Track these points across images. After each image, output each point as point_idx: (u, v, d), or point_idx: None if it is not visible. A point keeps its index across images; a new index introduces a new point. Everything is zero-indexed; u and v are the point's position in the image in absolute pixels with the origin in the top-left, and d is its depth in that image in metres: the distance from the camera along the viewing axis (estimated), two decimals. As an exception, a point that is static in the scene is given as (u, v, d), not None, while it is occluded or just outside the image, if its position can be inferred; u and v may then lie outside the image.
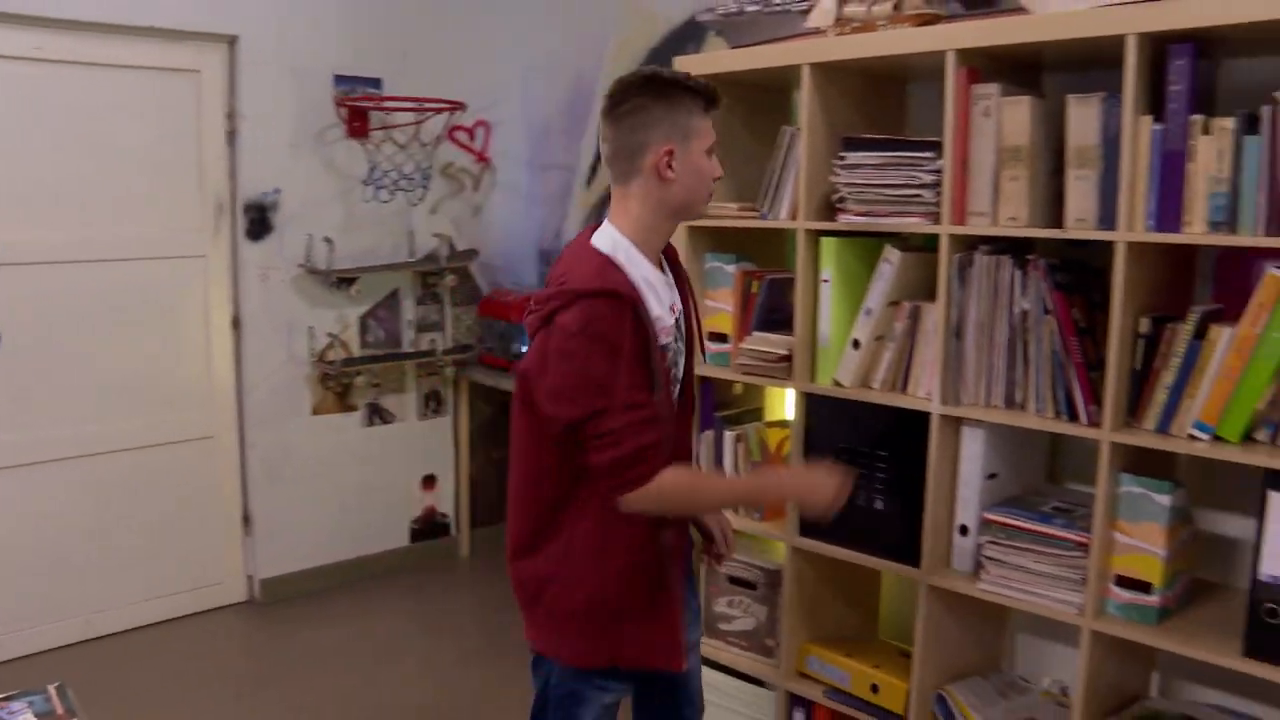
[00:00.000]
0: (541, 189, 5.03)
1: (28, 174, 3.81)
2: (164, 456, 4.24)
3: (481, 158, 4.86)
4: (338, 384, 4.58)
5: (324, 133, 4.37)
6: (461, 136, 4.74)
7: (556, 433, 1.98)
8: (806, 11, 2.75)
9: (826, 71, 2.67)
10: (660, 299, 2.03)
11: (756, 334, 2.87)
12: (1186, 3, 2.06)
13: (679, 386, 2.14)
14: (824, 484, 2.06)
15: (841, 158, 2.62)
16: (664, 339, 2.03)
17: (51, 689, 1.97)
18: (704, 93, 2.02)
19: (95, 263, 4.00)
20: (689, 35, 4.12)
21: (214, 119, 4.21)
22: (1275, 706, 2.41)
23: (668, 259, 2.16)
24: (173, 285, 4.20)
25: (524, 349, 4.70)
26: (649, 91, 2.00)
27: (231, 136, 4.24)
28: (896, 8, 2.55)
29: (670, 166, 1.99)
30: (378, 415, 4.73)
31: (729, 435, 2.93)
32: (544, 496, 2.07)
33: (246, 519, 4.48)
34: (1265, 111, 2.02)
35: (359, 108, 4.39)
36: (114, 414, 4.12)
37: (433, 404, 4.90)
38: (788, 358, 2.78)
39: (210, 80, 4.17)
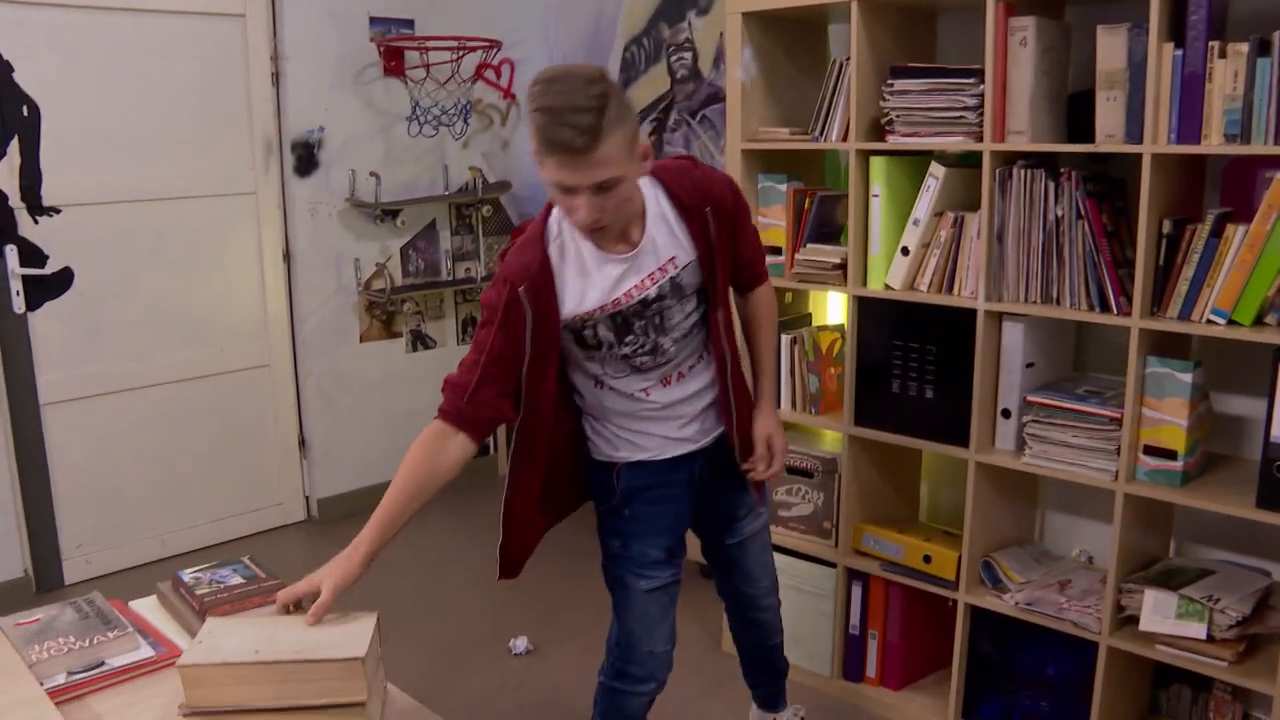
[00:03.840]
0: (563, 122, 5.22)
1: (86, 120, 3.97)
2: (224, 385, 4.46)
3: (508, 94, 5.05)
4: (383, 312, 4.80)
5: (363, 72, 4.56)
6: (489, 74, 4.94)
7: None
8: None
9: (871, 8, 2.94)
10: (593, 278, 2.17)
11: (810, 245, 3.15)
12: (1207, -59, 2.35)
13: (651, 340, 2.28)
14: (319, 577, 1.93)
15: (890, 84, 2.89)
16: (586, 312, 2.19)
17: (246, 559, 2.16)
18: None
19: (153, 202, 4.17)
20: (712, -29, 4.33)
21: (259, 61, 4.37)
22: (1272, 560, 2.79)
23: (685, 208, 2.21)
24: (226, 222, 4.38)
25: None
26: None
27: (276, 78, 4.41)
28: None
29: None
30: (420, 341, 4.96)
31: (785, 339, 3.21)
32: None
33: (303, 442, 4.72)
34: (1277, 36, 2.32)
35: (397, 47, 4.56)
36: (177, 346, 4.31)
37: (470, 329, 5.11)
38: (841, 265, 3.06)
39: (254, 24, 4.33)
